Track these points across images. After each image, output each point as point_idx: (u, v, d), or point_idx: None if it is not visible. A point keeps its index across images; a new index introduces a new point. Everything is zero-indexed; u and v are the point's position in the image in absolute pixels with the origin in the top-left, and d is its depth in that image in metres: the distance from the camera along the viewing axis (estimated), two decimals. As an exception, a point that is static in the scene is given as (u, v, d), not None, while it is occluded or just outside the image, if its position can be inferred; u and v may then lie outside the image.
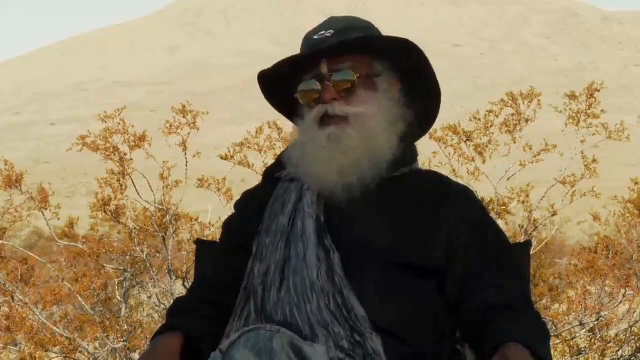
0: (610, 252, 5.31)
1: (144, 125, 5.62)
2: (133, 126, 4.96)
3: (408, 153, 1.72)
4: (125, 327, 5.19)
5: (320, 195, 1.64)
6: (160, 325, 1.85)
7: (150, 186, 4.89)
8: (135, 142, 4.86)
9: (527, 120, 4.98)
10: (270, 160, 4.40)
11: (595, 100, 4.95)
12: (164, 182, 4.89)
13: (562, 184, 5.02)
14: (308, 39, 1.72)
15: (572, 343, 5.14)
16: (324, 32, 1.70)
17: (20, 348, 5.13)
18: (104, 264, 5.48)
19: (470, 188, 2.05)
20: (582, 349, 5.18)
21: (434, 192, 1.67)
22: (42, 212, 5.03)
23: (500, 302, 1.53)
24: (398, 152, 1.66)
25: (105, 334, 4.91)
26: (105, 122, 4.86)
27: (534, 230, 5.19)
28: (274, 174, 1.75)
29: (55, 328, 4.96)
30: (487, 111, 4.96)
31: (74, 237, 5.55)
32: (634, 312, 5.36)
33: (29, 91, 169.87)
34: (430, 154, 4.77)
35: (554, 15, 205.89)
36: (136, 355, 4.98)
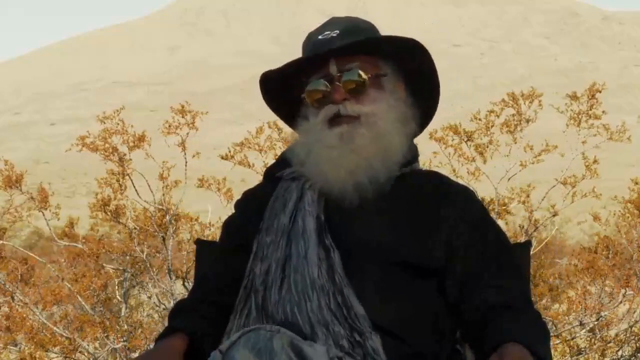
0: (610, 252, 5.30)
1: (143, 126, 5.62)
2: (132, 126, 4.96)
3: (409, 153, 1.72)
4: (125, 327, 5.19)
5: (320, 194, 1.64)
6: (160, 326, 1.85)
7: (149, 186, 4.89)
8: (134, 143, 4.86)
9: (527, 121, 4.97)
10: (271, 160, 4.40)
11: (597, 101, 4.95)
12: (163, 182, 4.89)
13: (563, 184, 5.02)
14: (311, 40, 1.72)
15: (572, 343, 5.14)
16: (328, 32, 1.70)
17: (20, 348, 5.12)
18: (104, 264, 5.48)
19: (471, 188, 2.05)
20: (582, 349, 5.18)
21: (434, 192, 1.67)
22: (42, 212, 5.03)
23: (500, 302, 1.53)
24: (406, 152, 1.67)
25: (105, 334, 4.90)
26: (104, 122, 4.86)
27: (534, 231, 5.18)
28: (274, 174, 1.74)
29: (55, 328, 4.95)
30: (488, 111, 4.96)
31: (74, 237, 5.55)
32: (634, 312, 5.35)
33: (29, 91, 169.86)
34: (431, 154, 4.77)
35: (554, 15, 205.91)
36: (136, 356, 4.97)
